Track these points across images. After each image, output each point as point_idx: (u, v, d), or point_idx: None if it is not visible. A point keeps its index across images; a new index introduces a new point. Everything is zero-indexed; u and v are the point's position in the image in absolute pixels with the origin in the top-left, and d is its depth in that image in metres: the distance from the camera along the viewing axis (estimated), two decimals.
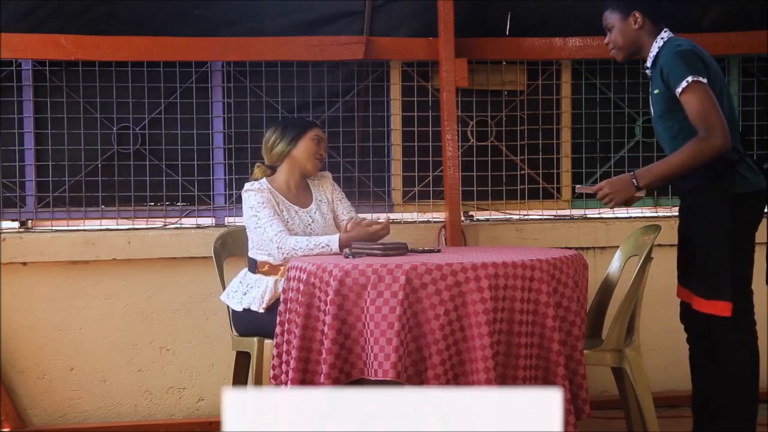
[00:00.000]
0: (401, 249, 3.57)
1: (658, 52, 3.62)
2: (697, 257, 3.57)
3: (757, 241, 3.71)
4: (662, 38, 3.64)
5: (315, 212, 4.07)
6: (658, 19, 3.67)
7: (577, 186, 4.03)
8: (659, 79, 3.57)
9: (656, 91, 3.62)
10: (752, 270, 3.62)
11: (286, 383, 3.34)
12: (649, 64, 3.68)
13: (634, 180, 3.53)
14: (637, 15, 3.65)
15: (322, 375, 3.14)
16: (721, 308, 3.49)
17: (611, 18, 3.71)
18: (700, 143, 3.44)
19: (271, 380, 3.53)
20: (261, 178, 4.07)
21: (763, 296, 3.75)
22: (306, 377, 3.27)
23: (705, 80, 3.46)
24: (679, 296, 3.73)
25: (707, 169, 3.49)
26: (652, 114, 3.72)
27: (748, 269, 3.60)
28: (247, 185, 4.01)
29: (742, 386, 3.54)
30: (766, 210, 3.69)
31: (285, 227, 3.90)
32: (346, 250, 3.57)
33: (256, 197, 3.93)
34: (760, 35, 4.87)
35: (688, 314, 3.68)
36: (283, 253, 3.82)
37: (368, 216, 4.42)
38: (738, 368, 3.54)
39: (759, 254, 3.72)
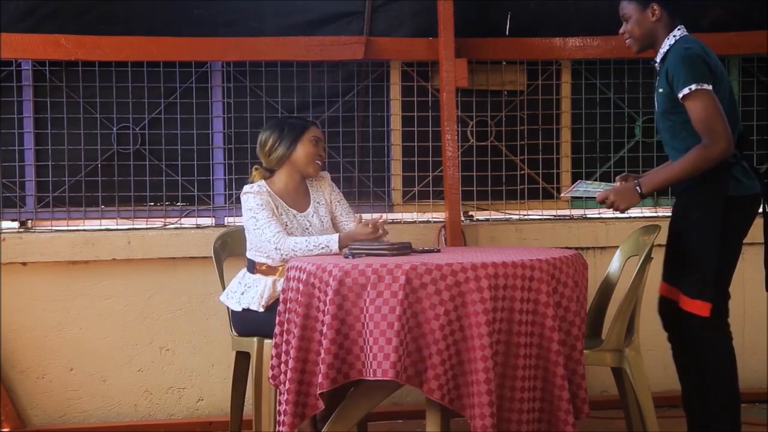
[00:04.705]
0: (406, 248, 3.57)
1: (668, 50, 3.61)
2: (687, 257, 3.59)
3: (755, 242, 3.71)
4: (674, 35, 3.61)
5: (313, 216, 4.06)
6: (675, 14, 3.65)
7: (564, 191, 4.01)
8: (664, 79, 3.56)
9: (660, 90, 3.61)
10: (733, 273, 3.63)
11: (284, 383, 3.34)
12: (658, 59, 3.67)
13: (637, 187, 3.55)
14: (655, 7, 3.63)
15: (320, 375, 3.13)
16: (701, 308, 3.51)
17: (629, 8, 3.68)
18: (703, 150, 3.44)
19: (270, 380, 3.53)
20: (259, 180, 4.06)
21: (762, 297, 3.74)
22: (304, 377, 3.26)
23: (710, 87, 3.44)
24: (661, 293, 3.74)
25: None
26: (656, 109, 3.72)
27: (730, 272, 3.61)
28: (246, 187, 3.99)
29: (723, 386, 3.56)
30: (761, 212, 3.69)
31: (283, 229, 3.90)
32: (346, 250, 3.56)
33: (255, 199, 3.93)
34: (760, 35, 4.87)
35: (667, 310, 3.70)
36: (281, 254, 3.81)
37: (368, 215, 4.42)
38: (717, 368, 3.56)
39: (757, 256, 3.72)
